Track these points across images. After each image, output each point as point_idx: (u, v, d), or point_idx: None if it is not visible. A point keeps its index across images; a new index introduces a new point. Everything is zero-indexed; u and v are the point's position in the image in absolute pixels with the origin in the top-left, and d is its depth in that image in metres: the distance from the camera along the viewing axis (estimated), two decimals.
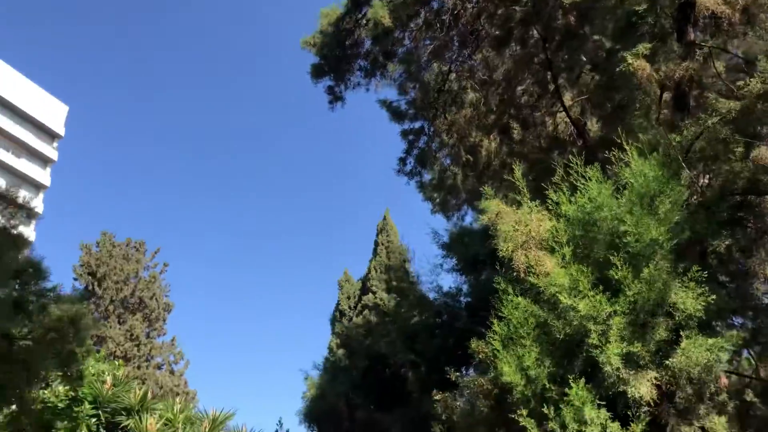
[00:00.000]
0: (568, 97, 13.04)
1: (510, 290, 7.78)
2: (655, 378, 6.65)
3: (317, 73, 14.61)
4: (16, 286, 5.66)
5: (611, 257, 7.09)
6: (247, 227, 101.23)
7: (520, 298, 7.66)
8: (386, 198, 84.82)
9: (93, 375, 10.76)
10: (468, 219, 17.19)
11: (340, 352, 19.84)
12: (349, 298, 33.60)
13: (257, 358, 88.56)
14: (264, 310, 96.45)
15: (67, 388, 9.56)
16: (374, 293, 30.74)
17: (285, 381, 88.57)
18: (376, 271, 32.25)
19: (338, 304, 34.06)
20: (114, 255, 36.11)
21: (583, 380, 6.70)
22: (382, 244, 33.06)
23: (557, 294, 7.17)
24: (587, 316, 6.92)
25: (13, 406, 7.14)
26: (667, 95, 10.30)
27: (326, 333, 34.49)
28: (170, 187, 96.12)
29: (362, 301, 31.79)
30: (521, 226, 7.95)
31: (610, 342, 6.73)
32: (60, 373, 7.09)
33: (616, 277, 7.02)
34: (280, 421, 20.52)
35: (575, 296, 7.09)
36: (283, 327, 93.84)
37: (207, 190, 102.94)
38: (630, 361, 6.71)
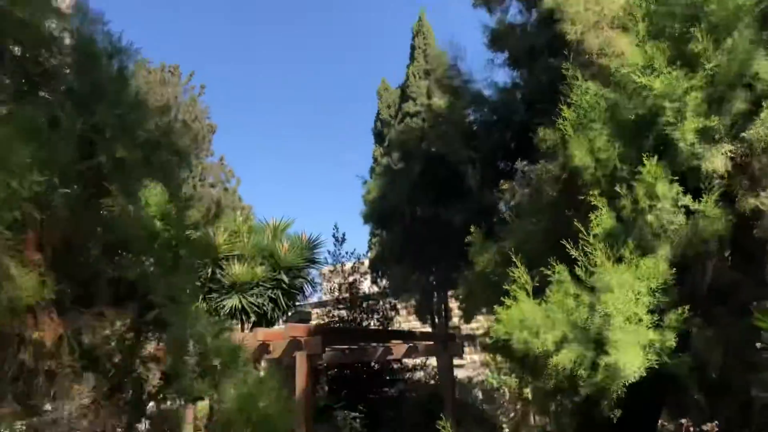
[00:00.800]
0: None
1: (578, 75, 7.63)
2: (730, 151, 6.68)
3: None
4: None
5: (691, 30, 6.75)
6: (274, 50, 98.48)
7: (589, 83, 7.52)
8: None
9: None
10: (512, 11, 16.28)
11: (389, 157, 20.35)
12: (389, 107, 33.37)
13: (302, 172, 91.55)
14: (302, 128, 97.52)
15: (133, 208, 10.22)
16: (414, 100, 30.44)
17: (332, 192, 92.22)
18: (415, 77, 31.53)
19: (378, 113, 34.01)
20: (151, 81, 36.10)
21: (655, 158, 6.78)
22: (419, 48, 31.83)
23: (631, 74, 7.00)
24: (662, 94, 6.79)
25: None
26: None
27: (367, 143, 35.03)
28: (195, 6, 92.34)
29: (403, 109, 31.68)
30: (592, 4, 7.52)
31: (685, 118, 6.68)
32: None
33: (695, 50, 6.74)
34: (336, 226, 21.84)
35: (650, 75, 6.91)
36: (323, 140, 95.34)
37: (233, 11, 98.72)
38: (705, 135, 6.70)
